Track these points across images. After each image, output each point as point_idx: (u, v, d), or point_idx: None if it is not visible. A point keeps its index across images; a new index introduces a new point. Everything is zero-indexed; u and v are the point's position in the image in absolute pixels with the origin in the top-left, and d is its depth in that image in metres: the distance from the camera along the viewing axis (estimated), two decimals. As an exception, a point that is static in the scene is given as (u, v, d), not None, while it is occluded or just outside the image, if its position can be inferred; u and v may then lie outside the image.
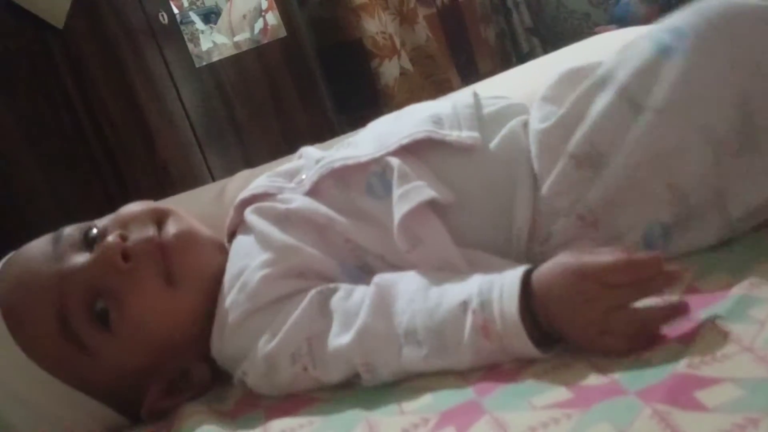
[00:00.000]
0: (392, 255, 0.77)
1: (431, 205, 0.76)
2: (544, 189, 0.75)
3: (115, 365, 0.80)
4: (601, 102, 0.73)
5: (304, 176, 0.84)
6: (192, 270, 0.82)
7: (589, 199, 0.73)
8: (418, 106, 0.90)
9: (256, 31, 2.33)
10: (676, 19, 0.73)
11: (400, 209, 0.75)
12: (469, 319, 0.65)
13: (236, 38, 2.28)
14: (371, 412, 0.67)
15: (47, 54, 1.89)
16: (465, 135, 0.79)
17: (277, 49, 2.34)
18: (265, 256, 0.78)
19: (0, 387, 0.83)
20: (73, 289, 0.79)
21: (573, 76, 0.79)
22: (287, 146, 2.32)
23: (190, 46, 2.15)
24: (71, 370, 0.80)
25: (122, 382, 0.82)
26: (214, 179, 2.07)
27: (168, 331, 0.81)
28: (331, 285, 0.76)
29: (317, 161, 0.84)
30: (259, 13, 2.34)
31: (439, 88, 2.63)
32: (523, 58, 2.88)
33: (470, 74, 2.79)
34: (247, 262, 0.79)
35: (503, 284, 0.65)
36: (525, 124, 0.81)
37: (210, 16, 2.27)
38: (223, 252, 0.85)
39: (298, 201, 0.81)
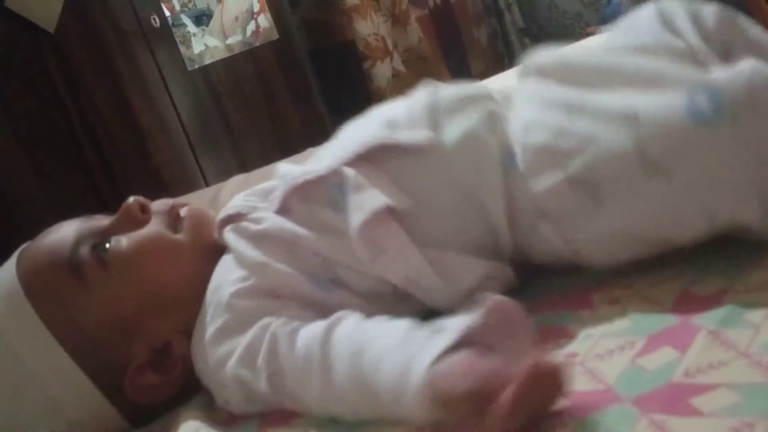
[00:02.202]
0: (360, 265, 0.77)
1: (390, 211, 0.76)
2: (536, 188, 0.73)
3: (104, 304, 0.82)
4: (613, 139, 0.68)
5: (276, 194, 0.86)
6: (196, 228, 0.89)
7: (577, 233, 0.72)
8: (380, 108, 0.88)
9: (248, 33, 2.33)
10: (722, 72, 0.66)
11: (355, 220, 0.75)
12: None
13: (228, 41, 2.28)
14: (367, 421, 0.67)
15: (39, 58, 1.89)
16: (418, 135, 0.78)
17: (269, 51, 2.34)
18: (238, 273, 0.80)
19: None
20: (90, 230, 0.86)
21: (583, 69, 0.75)
22: (280, 148, 2.33)
23: (182, 48, 2.15)
24: (63, 306, 0.83)
25: (107, 333, 0.83)
26: (207, 182, 2.07)
27: (159, 278, 0.84)
28: (291, 324, 0.75)
29: (283, 176, 0.86)
30: (251, 15, 2.34)
31: (432, 90, 2.64)
32: (515, 58, 2.88)
33: (463, 75, 2.79)
34: (225, 277, 0.81)
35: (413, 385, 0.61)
36: (490, 116, 0.78)
37: (202, 18, 2.27)
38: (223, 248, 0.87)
39: (268, 221, 0.83)
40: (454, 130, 0.78)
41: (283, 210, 0.83)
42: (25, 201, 1.81)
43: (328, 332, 0.70)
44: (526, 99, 0.78)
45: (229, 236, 0.84)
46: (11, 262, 0.87)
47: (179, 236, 0.87)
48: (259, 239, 0.82)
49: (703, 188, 0.65)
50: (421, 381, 0.59)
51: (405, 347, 0.63)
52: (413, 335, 0.64)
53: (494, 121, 0.78)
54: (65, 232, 0.86)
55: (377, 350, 0.65)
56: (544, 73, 0.77)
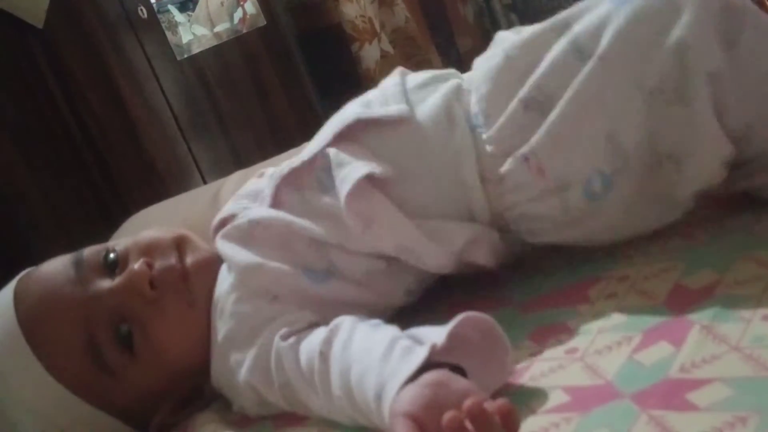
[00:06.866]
0: (352, 243, 0.79)
1: (373, 182, 0.78)
2: (492, 130, 0.78)
3: (136, 387, 0.83)
4: (554, 50, 0.76)
5: (267, 190, 0.87)
6: (208, 292, 0.84)
7: (533, 142, 0.75)
8: (355, 99, 0.92)
9: (236, 20, 2.33)
10: None
11: (342, 191, 0.78)
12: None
13: (216, 29, 2.28)
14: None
15: (29, 55, 1.89)
16: (392, 108, 0.82)
17: (257, 37, 2.35)
18: (231, 280, 0.81)
19: (20, 403, 0.84)
20: (100, 313, 0.81)
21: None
22: (271, 134, 2.34)
23: (169, 34, 2.15)
24: (93, 390, 0.82)
25: (140, 403, 0.84)
26: (201, 172, 2.08)
27: (188, 352, 0.83)
28: (292, 336, 0.76)
29: (271, 175, 0.88)
30: (237, 1, 2.34)
31: (420, 69, 2.63)
32: (502, 34, 2.89)
33: (450, 53, 2.80)
34: (220, 289, 0.82)
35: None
36: (457, 88, 0.82)
37: (187, 4, 2.26)
38: None
39: (257, 210, 0.84)
40: (425, 102, 0.82)
41: (276, 204, 0.85)
42: (22, 200, 1.81)
43: (326, 344, 0.71)
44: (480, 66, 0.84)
45: (220, 244, 0.85)
46: (16, 333, 0.82)
47: (197, 311, 0.83)
48: (247, 237, 0.83)
49: (625, 55, 0.72)
50: (389, 411, 0.60)
51: (383, 366, 0.63)
52: (390, 353, 0.64)
53: (460, 92, 0.82)
54: (67, 309, 0.81)
55: (360, 368, 0.65)
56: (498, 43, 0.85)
